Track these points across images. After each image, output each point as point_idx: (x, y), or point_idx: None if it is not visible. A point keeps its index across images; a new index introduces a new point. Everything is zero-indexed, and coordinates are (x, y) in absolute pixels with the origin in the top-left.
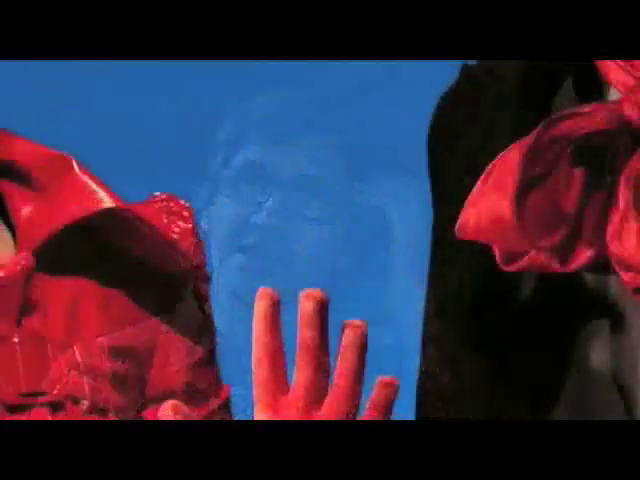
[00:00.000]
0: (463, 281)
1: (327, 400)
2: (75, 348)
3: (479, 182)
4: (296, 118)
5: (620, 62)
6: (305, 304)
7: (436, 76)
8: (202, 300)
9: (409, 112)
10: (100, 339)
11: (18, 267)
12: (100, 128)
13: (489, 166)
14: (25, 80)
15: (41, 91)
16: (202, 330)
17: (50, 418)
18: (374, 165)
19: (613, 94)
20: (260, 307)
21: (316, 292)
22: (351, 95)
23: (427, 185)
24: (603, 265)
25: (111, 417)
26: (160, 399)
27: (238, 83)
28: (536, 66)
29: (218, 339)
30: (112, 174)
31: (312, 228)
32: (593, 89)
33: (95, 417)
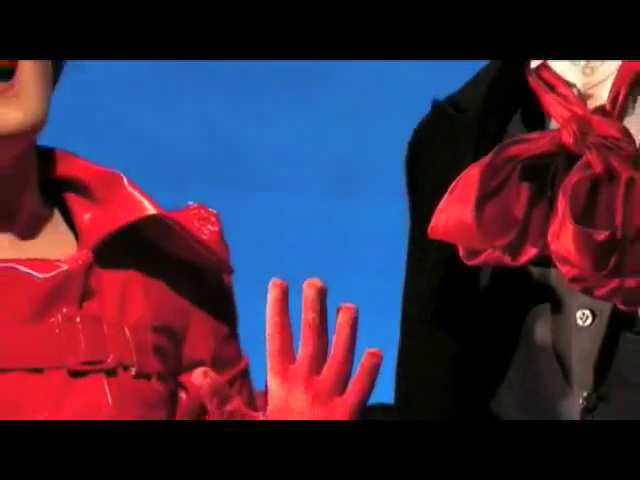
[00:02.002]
0: (434, 273)
1: (326, 367)
2: (125, 326)
3: (447, 193)
4: (295, 119)
5: (558, 98)
6: (307, 291)
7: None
8: (226, 288)
9: (394, 129)
10: (144, 319)
11: (80, 262)
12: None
13: (455, 181)
14: None
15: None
16: (226, 311)
17: (105, 382)
18: (363, 174)
19: (553, 124)
20: (272, 294)
21: (317, 281)
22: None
23: (405, 195)
24: (545, 260)
25: (154, 381)
26: (192, 366)
27: (239, 85)
28: (493, 100)
29: (238, 319)
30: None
31: (308, 226)
32: (537, 120)
33: (141, 381)
